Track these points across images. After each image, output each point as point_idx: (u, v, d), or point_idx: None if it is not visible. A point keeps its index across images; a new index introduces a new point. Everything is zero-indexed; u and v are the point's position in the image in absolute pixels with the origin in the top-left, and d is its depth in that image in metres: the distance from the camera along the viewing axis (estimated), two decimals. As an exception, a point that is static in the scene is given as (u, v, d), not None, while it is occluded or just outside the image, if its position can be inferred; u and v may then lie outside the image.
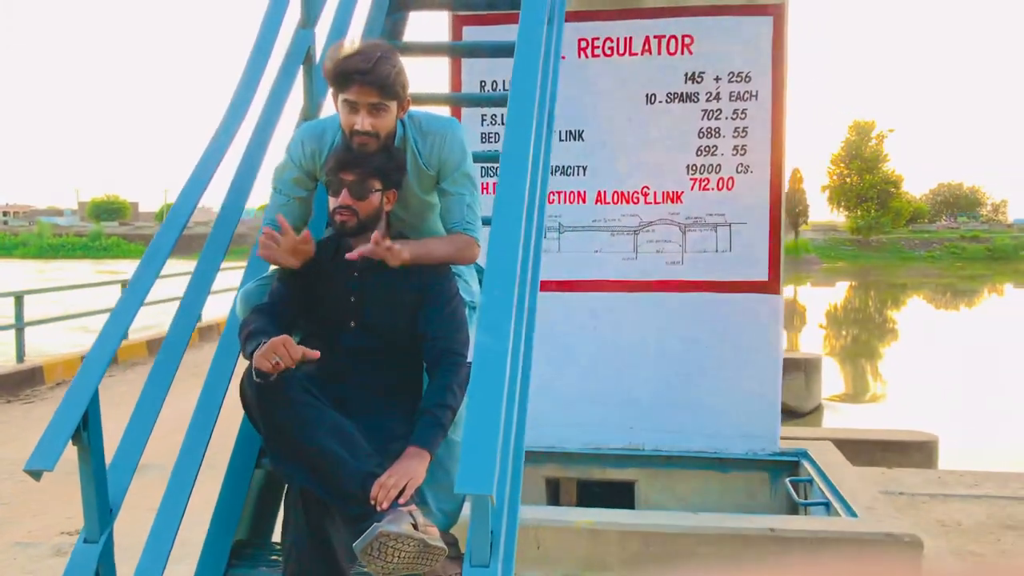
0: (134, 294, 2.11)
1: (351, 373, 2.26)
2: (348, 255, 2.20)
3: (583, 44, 5.17)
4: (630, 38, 5.13)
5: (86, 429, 1.91)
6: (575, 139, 5.20)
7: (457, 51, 3.77)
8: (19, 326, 8.13)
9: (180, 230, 2.27)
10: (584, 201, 5.21)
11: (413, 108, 2.50)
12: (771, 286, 5.09)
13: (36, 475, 1.82)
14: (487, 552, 1.80)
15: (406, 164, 2.39)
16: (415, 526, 1.90)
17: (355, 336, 2.29)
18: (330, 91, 2.37)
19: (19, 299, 8.01)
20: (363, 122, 2.25)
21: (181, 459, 2.22)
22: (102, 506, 1.95)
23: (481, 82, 5.21)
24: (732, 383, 5.12)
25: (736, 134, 5.08)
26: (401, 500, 1.93)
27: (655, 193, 5.15)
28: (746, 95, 5.06)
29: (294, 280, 2.30)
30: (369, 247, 2.18)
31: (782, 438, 5.15)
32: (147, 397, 2.13)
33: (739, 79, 5.06)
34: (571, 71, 5.17)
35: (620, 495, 5.28)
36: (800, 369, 10.55)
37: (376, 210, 2.30)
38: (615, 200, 5.19)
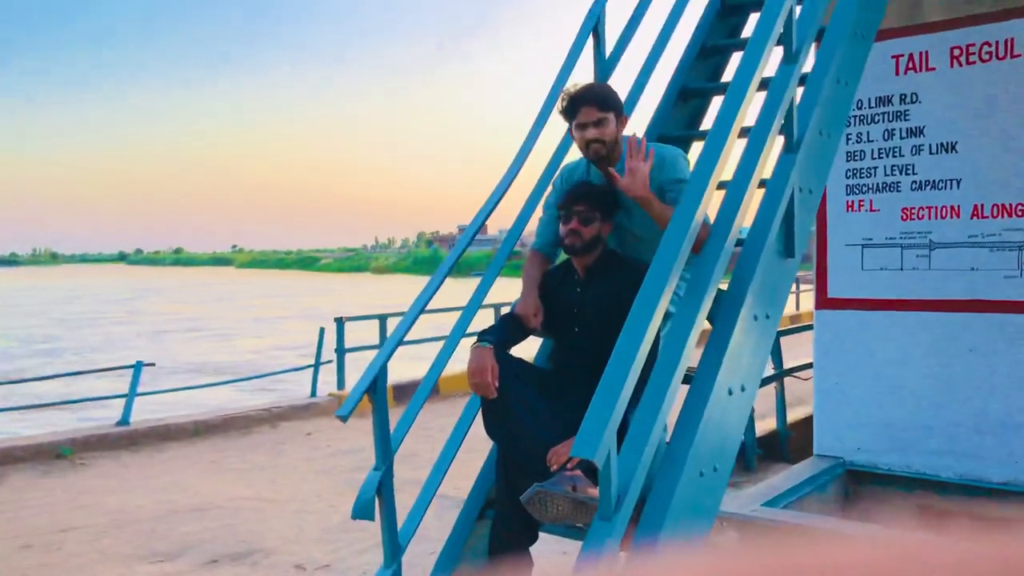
0: (419, 300, 2.98)
1: (572, 365, 2.86)
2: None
3: (956, 52, 4.93)
4: (1011, 39, 4.76)
5: (374, 392, 2.80)
6: (946, 151, 4.97)
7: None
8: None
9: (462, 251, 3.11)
10: (958, 216, 4.95)
11: (650, 142, 3.08)
12: None
13: (342, 419, 2.76)
14: (611, 509, 2.27)
15: (618, 201, 2.93)
16: (574, 488, 2.43)
17: (576, 338, 2.89)
18: (569, 131, 3.06)
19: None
20: (591, 132, 2.94)
21: (454, 431, 3.04)
22: (385, 446, 2.82)
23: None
24: None
25: None
26: (569, 466, 2.48)
27: (1044, 204, 4.69)
28: None
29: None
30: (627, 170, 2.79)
31: None
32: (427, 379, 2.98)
33: None
34: (942, 83, 4.98)
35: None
36: None
37: (596, 235, 2.88)
38: (995, 214, 4.84)
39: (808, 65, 3.46)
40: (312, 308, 29.93)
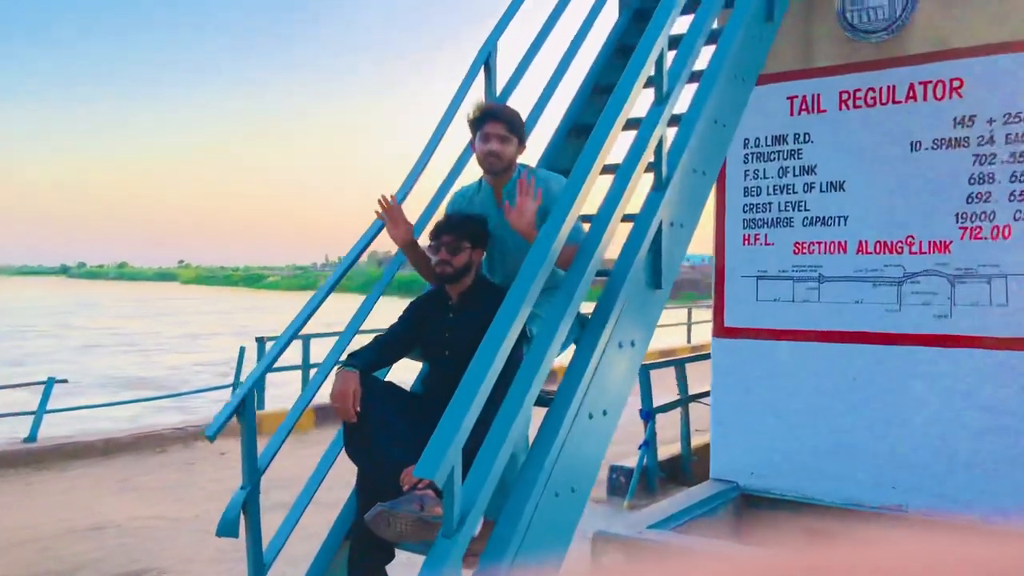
0: (296, 321, 3.06)
1: (441, 389, 2.95)
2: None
3: (844, 96, 5.20)
4: (893, 86, 5.04)
5: (243, 413, 2.87)
6: (835, 189, 5.22)
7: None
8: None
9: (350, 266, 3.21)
10: (845, 251, 5.19)
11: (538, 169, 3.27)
12: (1058, 345, 4.57)
13: (210, 439, 2.82)
14: (452, 527, 2.36)
15: (488, 232, 3.06)
16: (421, 506, 2.53)
17: (446, 362, 2.99)
18: (472, 142, 3.25)
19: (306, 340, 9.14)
20: (493, 145, 3.12)
21: (326, 452, 3.11)
22: (251, 465, 2.89)
23: (745, 139, 5.50)
24: (1009, 448, 4.68)
25: (1014, 179, 4.70)
26: (420, 486, 2.58)
27: (921, 243, 4.96)
28: (1026, 136, 4.66)
29: (409, 319, 3.07)
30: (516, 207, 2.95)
31: None
32: (302, 398, 3.05)
33: (1017, 120, 4.69)
34: (831, 124, 5.24)
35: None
36: None
37: (465, 264, 2.99)
38: (877, 250, 5.09)
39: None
40: (249, 326, 29.55)
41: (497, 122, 3.14)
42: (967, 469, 4.78)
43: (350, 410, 2.71)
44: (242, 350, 9.06)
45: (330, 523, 3.14)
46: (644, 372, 6.57)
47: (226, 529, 2.84)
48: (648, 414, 6.28)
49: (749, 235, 5.53)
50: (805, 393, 5.32)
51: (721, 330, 5.64)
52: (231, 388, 9.09)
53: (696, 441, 6.92)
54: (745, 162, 5.54)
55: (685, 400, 6.82)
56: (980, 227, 4.79)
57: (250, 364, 9.01)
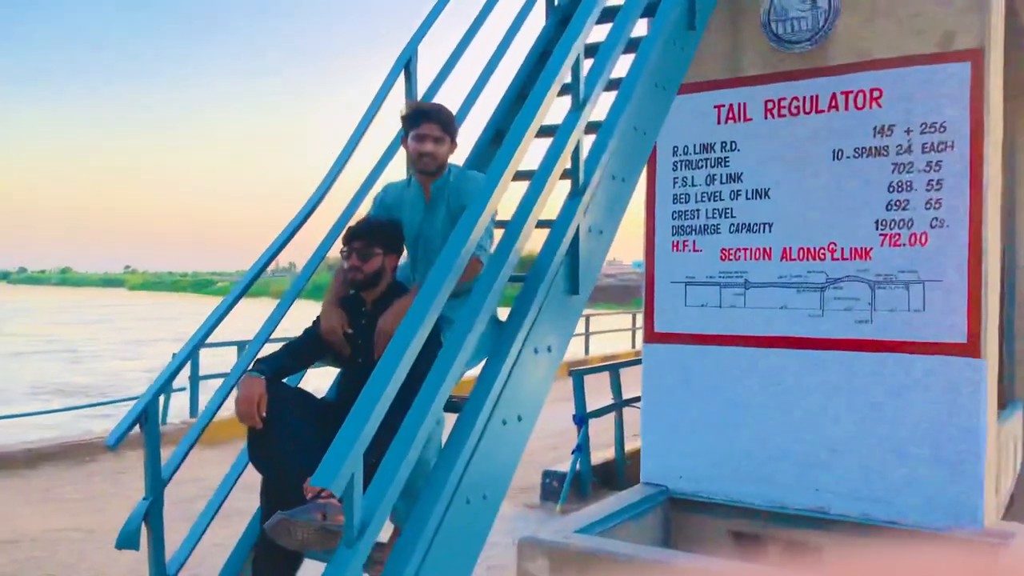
0: (202, 329, 3.00)
1: (353, 396, 2.92)
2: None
3: (769, 105, 5.28)
4: (816, 96, 5.13)
5: (146, 422, 2.81)
6: (761, 197, 5.30)
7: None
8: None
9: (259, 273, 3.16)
10: (770, 257, 5.27)
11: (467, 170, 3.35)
12: (971, 349, 4.70)
13: (110, 448, 2.75)
14: (353, 536, 2.33)
15: (403, 236, 3.05)
16: (324, 515, 2.49)
17: (359, 368, 2.96)
18: (404, 137, 3.23)
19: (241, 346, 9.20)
20: (428, 146, 3.11)
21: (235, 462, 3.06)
22: (155, 475, 2.83)
23: (674, 147, 5.56)
24: (926, 451, 4.79)
25: (930, 187, 4.82)
26: (323, 494, 2.54)
27: (842, 249, 5.05)
28: (941, 146, 4.79)
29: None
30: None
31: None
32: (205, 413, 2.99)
33: (933, 130, 4.81)
34: (757, 133, 5.31)
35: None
36: None
37: (377, 270, 2.96)
38: (801, 256, 5.17)
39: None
40: (190, 332, 29.10)
41: (432, 123, 3.14)
42: (888, 472, 4.87)
43: (254, 415, 2.67)
44: (174, 356, 8.87)
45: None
46: (578, 377, 6.60)
47: (126, 541, 2.77)
48: (581, 419, 6.29)
49: (678, 242, 5.58)
50: (732, 397, 5.38)
51: (652, 335, 5.69)
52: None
53: (631, 446, 6.96)
54: (674, 170, 5.59)
55: (619, 405, 6.86)
56: (899, 234, 4.89)
57: (183, 370, 8.82)
